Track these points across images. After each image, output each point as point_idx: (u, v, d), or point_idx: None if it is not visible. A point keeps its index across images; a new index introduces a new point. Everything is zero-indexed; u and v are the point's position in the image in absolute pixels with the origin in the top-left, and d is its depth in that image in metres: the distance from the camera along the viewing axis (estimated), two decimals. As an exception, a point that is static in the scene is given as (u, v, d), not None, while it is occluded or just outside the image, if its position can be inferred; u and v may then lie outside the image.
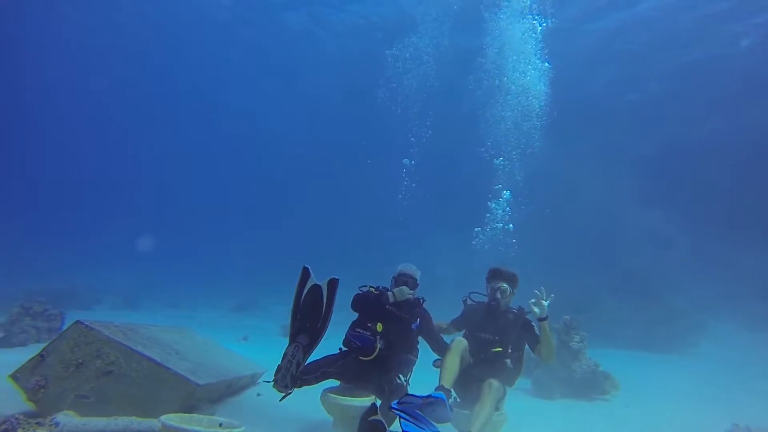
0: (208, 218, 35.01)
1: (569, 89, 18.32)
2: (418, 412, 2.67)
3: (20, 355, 3.54)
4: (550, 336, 3.48)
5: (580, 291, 12.97)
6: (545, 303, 3.40)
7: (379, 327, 3.63)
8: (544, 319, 3.40)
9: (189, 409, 3.50)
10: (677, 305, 12.02)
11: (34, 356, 3.34)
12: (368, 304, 3.73)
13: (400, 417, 2.63)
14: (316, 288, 3.44)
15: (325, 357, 3.62)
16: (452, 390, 3.20)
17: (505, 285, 3.65)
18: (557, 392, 5.90)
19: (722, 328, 12.27)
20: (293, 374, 3.21)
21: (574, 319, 6.25)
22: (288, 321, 3.52)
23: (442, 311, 4.18)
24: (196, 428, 2.56)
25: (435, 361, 3.46)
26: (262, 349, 9.31)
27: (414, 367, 3.78)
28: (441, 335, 3.85)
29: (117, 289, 17.57)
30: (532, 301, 3.42)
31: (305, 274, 3.46)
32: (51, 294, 13.99)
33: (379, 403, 3.38)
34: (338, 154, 27.91)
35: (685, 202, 17.08)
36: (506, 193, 10.86)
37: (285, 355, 3.27)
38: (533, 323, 3.55)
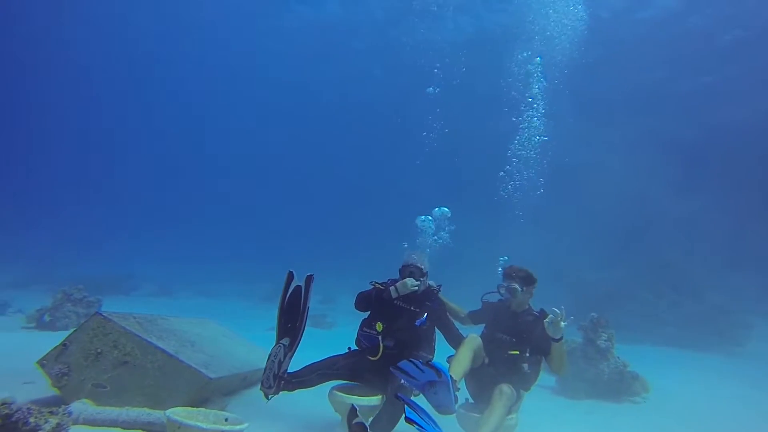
0: (239, 208, 35.99)
1: (610, 72, 17.45)
2: (421, 404, 2.57)
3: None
4: (563, 355, 3.33)
5: (613, 284, 12.46)
6: (562, 324, 3.19)
7: (379, 327, 3.52)
8: (558, 340, 3.23)
9: (202, 401, 3.57)
10: (720, 301, 11.30)
11: (58, 345, 3.48)
12: (371, 302, 3.65)
13: (405, 405, 2.55)
14: (297, 289, 3.43)
15: (328, 358, 3.58)
16: (461, 383, 3.08)
17: (516, 285, 3.50)
18: (582, 392, 5.66)
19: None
20: (275, 374, 3.20)
21: (602, 316, 5.95)
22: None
23: (470, 287, 3.92)
24: (199, 424, 2.58)
25: (449, 357, 3.34)
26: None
27: None
28: (456, 327, 3.71)
29: (154, 277, 18.40)
30: (548, 321, 3.22)
31: (289, 278, 3.45)
32: (96, 280, 14.89)
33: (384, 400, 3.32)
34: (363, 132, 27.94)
35: (727, 190, 15.92)
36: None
37: (269, 356, 3.28)
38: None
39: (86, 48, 26.31)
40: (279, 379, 3.23)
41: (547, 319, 3.22)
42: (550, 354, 3.30)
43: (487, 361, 3.42)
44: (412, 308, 3.61)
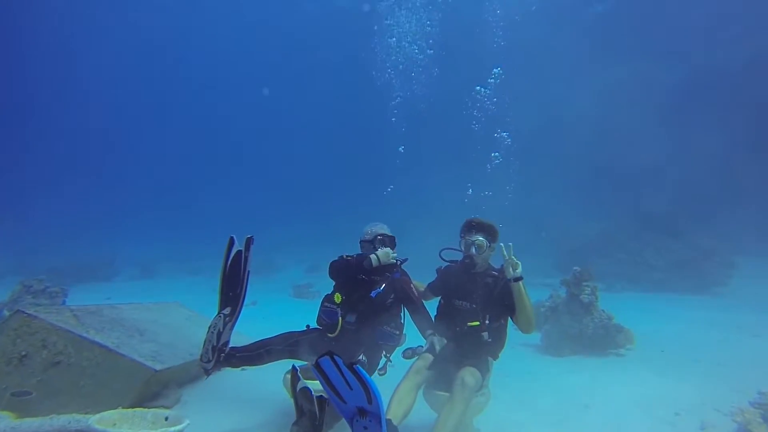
0: (225, 180, 35.12)
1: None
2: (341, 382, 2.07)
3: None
4: (527, 300, 2.87)
5: (599, 236, 12.36)
6: (515, 260, 2.84)
7: (338, 298, 3.25)
8: (519, 279, 2.83)
9: (152, 396, 3.29)
10: (703, 243, 11.29)
11: (-23, 351, 3.12)
12: (347, 271, 3.32)
13: (320, 381, 2.12)
14: (238, 254, 3.08)
15: (282, 333, 3.27)
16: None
17: (481, 238, 3.06)
18: (567, 349, 5.52)
19: (753, 263, 11.52)
20: (214, 346, 2.91)
21: (585, 269, 5.73)
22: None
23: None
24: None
25: (405, 351, 2.98)
26: (270, 313, 9.24)
27: (399, 342, 3.35)
28: (421, 302, 3.37)
29: (137, 260, 17.91)
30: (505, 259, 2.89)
31: (230, 243, 3.11)
32: (74, 268, 14.43)
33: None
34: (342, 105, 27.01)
35: (709, 126, 15.48)
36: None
37: (208, 328, 2.98)
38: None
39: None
40: (218, 352, 2.93)
41: (504, 261, 2.89)
42: (515, 308, 2.91)
43: (446, 336, 3.04)
44: (375, 279, 3.30)
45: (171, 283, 14.76)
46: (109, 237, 23.09)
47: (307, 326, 3.37)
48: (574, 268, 5.82)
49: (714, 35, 16.36)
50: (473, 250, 3.07)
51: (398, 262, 3.42)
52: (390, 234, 3.41)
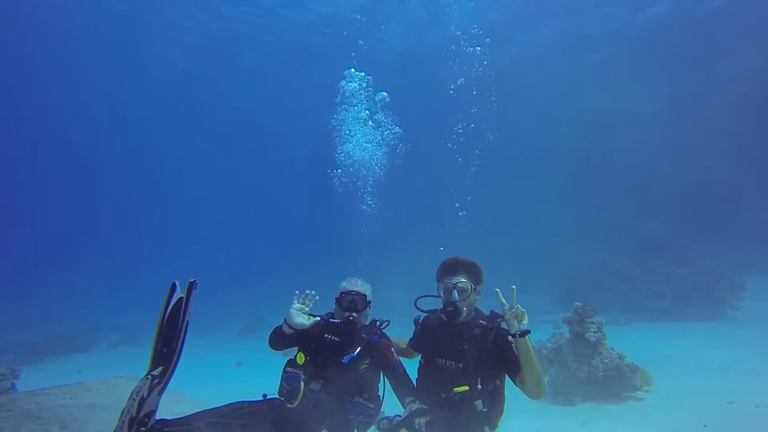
0: (214, 240, 34.64)
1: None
2: None
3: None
4: (535, 359, 2.28)
5: (596, 265, 11.83)
6: (510, 308, 2.29)
7: (300, 358, 2.64)
8: (526, 333, 2.26)
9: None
10: (709, 265, 10.78)
11: None
12: (284, 338, 2.76)
13: None
14: (179, 302, 2.47)
15: (230, 404, 2.63)
16: None
17: (464, 280, 2.50)
18: (577, 395, 4.86)
19: (764, 283, 10.96)
20: (132, 418, 2.20)
21: (587, 305, 5.16)
22: None
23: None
24: None
25: (380, 421, 2.42)
26: (254, 376, 8.53)
27: (374, 419, 2.71)
28: (404, 372, 2.77)
29: (120, 326, 17.00)
30: (504, 312, 2.32)
31: (171, 291, 2.51)
32: (49, 341, 13.58)
33: None
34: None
35: (709, 144, 15.24)
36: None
37: (130, 393, 2.28)
38: (511, 339, 2.34)
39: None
40: (138, 425, 2.21)
41: (505, 312, 2.31)
42: (518, 367, 2.30)
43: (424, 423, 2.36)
44: (345, 342, 2.72)
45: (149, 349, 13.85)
46: (92, 306, 22.11)
47: (264, 396, 2.75)
48: (576, 303, 5.26)
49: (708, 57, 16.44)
50: (455, 295, 2.49)
51: (378, 324, 2.87)
52: (361, 291, 2.84)
